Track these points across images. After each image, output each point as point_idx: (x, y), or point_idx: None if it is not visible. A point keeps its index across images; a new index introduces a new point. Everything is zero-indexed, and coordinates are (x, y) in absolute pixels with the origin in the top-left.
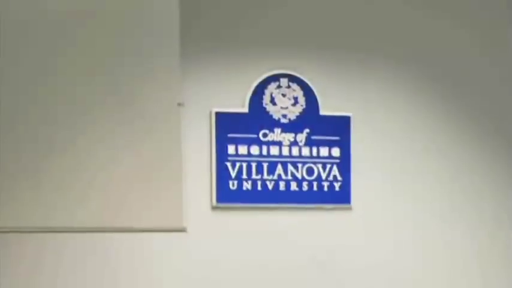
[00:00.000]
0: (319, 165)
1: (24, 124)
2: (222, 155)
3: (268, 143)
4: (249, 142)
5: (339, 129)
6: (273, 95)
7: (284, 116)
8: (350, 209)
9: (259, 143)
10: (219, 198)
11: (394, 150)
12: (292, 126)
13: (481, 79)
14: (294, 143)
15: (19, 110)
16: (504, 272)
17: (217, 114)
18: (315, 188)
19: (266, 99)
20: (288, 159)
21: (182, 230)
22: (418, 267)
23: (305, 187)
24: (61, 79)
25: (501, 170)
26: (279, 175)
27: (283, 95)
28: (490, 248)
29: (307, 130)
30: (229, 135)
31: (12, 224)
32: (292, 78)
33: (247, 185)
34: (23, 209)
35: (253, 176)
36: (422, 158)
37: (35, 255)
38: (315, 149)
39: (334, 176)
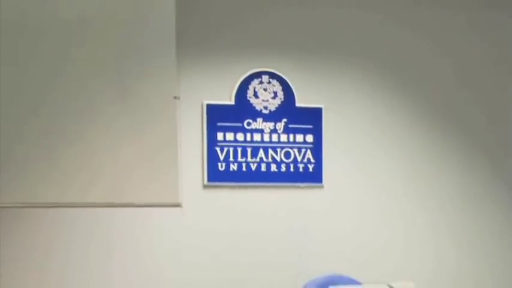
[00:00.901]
0: (295, 150)
1: (42, 114)
2: (212, 141)
3: (252, 131)
4: (235, 130)
5: (312, 119)
6: (256, 90)
7: (265, 107)
8: (322, 187)
9: (244, 131)
10: (210, 178)
11: (360, 137)
12: (272, 116)
13: (434, 77)
14: (274, 130)
15: (38, 102)
16: (454, 242)
17: (208, 106)
18: (291, 169)
19: (250, 93)
20: (269, 145)
21: (178, 205)
22: (378, 237)
23: (283, 168)
24: (72, 76)
25: (451, 154)
26: (261, 158)
27: (265, 90)
28: (441, 221)
29: (285, 119)
30: (218, 124)
31: (30, 200)
32: (272, 75)
33: (233, 167)
34: (40, 187)
35: (239, 159)
36: (383, 143)
37: (50, 228)
38: (291, 136)
39: (308, 159)
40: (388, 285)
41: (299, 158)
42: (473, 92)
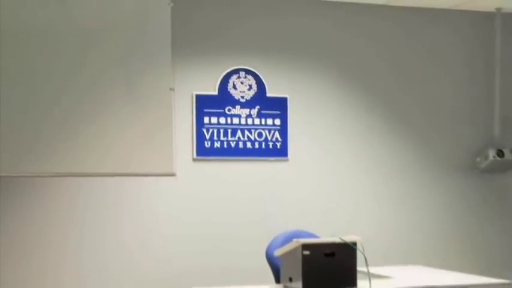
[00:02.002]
0: (266, 131)
1: (65, 102)
2: (199, 124)
3: (231, 116)
4: (218, 115)
5: (279, 106)
6: (235, 83)
7: (242, 97)
8: (287, 160)
9: (225, 116)
10: (198, 153)
11: (318, 121)
12: (248, 104)
13: (376, 72)
14: (249, 115)
15: (62, 92)
16: (392, 204)
17: (197, 96)
18: (263, 146)
19: (230, 85)
20: (245, 127)
21: (172, 174)
22: (332, 200)
23: (256, 146)
24: (88, 73)
25: (391, 134)
26: (239, 137)
27: (242, 83)
28: (382, 188)
29: (258, 107)
30: (205, 110)
31: (54, 170)
32: (247, 72)
33: (217, 144)
34: (64, 160)
35: (221, 138)
36: (336, 125)
37: (71, 195)
38: (263, 120)
39: (276, 138)
40: (340, 238)
41: (269, 138)
42: (408, 84)
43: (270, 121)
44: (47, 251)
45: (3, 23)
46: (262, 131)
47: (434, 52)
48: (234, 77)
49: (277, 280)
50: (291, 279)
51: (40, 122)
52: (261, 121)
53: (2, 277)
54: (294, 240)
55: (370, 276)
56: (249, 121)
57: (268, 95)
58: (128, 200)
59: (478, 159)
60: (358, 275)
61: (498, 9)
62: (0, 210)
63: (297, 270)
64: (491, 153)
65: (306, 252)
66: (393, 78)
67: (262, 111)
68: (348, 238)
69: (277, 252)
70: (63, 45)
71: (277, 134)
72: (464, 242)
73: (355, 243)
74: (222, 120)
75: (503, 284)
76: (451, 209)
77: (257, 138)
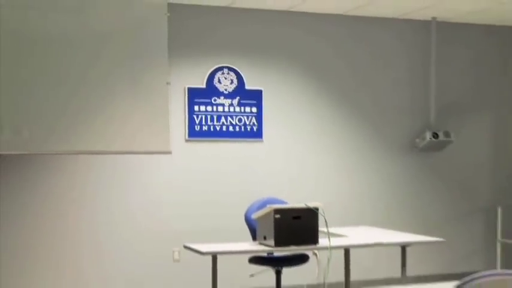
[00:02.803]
0: (245, 117)
1: (83, 93)
2: (191, 111)
3: (217, 105)
4: (206, 104)
5: (256, 97)
6: (219, 78)
7: (225, 89)
8: (262, 141)
9: (212, 105)
10: (189, 135)
11: (287, 108)
12: (230, 95)
13: (335, 70)
14: (231, 104)
15: (79, 86)
16: (347, 176)
17: (188, 88)
18: (242, 130)
19: (215, 80)
20: (228, 114)
21: (169, 152)
22: (298, 173)
23: (237, 129)
24: (100, 70)
25: (346, 120)
26: (223, 122)
27: (225, 78)
28: (340, 162)
29: (238, 97)
30: (195, 100)
31: (74, 149)
32: (230, 69)
33: (205, 128)
34: (80, 141)
35: (208, 123)
36: (302, 113)
37: (86, 169)
38: (242, 108)
39: (253, 123)
40: (305, 204)
41: (247, 122)
42: (361, 80)
43: (248, 109)
44: (66, 216)
45: (37, 27)
46: (241, 117)
47: (382, 53)
48: (219, 73)
49: (254, 238)
50: (265, 238)
51: (61, 110)
52: (240, 109)
53: (31, 239)
54: (268, 206)
55: (329, 235)
56: (231, 109)
57: (246, 87)
58: (132, 173)
59: (417, 140)
60: (320, 234)
61: (434, 18)
62: (28, 183)
63: (270, 230)
64: (428, 136)
65: (277, 216)
66: (349, 75)
67: (242, 101)
68: (311, 204)
69: (254, 216)
70: (80, 47)
71: (253, 120)
72: (405, 207)
73: (317, 208)
74: (209, 108)
75: (436, 241)
76: (395, 180)
77: (237, 123)
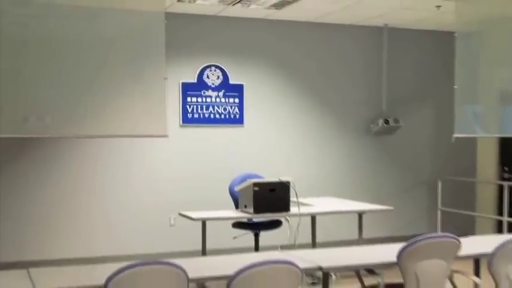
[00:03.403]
0: (229, 107)
1: (96, 87)
2: (184, 102)
3: (205, 96)
4: (197, 96)
5: (238, 90)
6: (208, 74)
7: (213, 84)
8: (243, 126)
9: (201, 96)
10: (183, 121)
11: (264, 100)
12: (217, 89)
13: (306, 69)
14: (218, 96)
15: (91, 83)
16: (314, 154)
17: (182, 83)
18: (227, 117)
19: (205, 76)
20: (215, 104)
21: (166, 136)
22: (273, 154)
23: (222, 116)
24: (108, 68)
25: (313, 110)
26: (210, 111)
27: (213, 74)
28: (308, 144)
29: (223, 90)
30: (188, 92)
31: (88, 133)
32: (217, 66)
33: (196, 115)
34: (93, 127)
35: (199, 111)
36: (277, 104)
37: (96, 151)
38: (227, 99)
39: (236, 112)
40: (279, 178)
41: (231, 111)
42: (326, 77)
43: (231, 100)
44: (81, 189)
45: (57, 34)
46: (226, 106)
47: (343, 54)
48: (207, 70)
49: (236, 207)
50: (245, 206)
51: (77, 101)
52: (225, 100)
53: (51, 208)
54: (248, 180)
55: (299, 204)
56: (218, 100)
57: (230, 82)
58: (135, 153)
59: (371, 125)
60: (291, 204)
61: (385, 24)
62: (49, 161)
63: (250, 200)
64: (381, 122)
65: (256, 188)
66: (315, 72)
67: (226, 93)
68: (284, 179)
69: (237, 188)
70: (93, 49)
71: (236, 109)
72: (362, 181)
73: (288, 182)
74: (199, 99)
75: (387, 209)
76: (354, 159)
77: (223, 111)
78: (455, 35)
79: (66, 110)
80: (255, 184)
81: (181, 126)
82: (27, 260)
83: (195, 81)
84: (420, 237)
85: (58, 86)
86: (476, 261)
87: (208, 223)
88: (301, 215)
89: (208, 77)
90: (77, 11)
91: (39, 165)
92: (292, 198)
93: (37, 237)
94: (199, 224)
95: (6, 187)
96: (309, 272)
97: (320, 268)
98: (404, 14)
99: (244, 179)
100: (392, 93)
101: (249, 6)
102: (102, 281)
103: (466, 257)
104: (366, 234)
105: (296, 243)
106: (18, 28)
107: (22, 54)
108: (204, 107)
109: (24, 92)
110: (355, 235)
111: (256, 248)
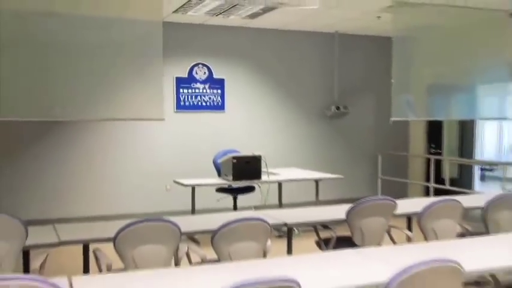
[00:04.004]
0: (213, 96)
1: (103, 84)
2: (178, 92)
3: (195, 88)
4: (188, 88)
5: (220, 83)
6: (196, 70)
7: (200, 78)
8: (224, 112)
9: (191, 88)
10: (177, 108)
11: (241, 91)
12: (203, 82)
13: (277, 71)
14: (204, 88)
15: (101, 79)
16: (283, 137)
17: (176, 77)
18: (212, 105)
19: (194, 72)
20: (202, 94)
21: (163, 119)
22: (248, 132)
23: (208, 104)
24: (115, 66)
25: (283, 101)
26: (198, 100)
27: (200, 70)
28: (280, 127)
29: (208, 83)
30: (180, 85)
31: (101, 117)
32: (203, 64)
33: (187, 103)
34: (105, 111)
35: (189, 100)
36: (252, 93)
37: (106, 132)
38: (211, 90)
39: (219, 100)
40: (252, 153)
41: (215, 100)
42: (290, 73)
43: (215, 91)
44: (95, 161)
45: (76, 38)
46: (211, 96)
47: (303, 55)
48: (196, 67)
49: (219, 175)
50: (226, 175)
51: (91, 93)
52: (210, 91)
53: (71, 179)
54: (228, 154)
55: (268, 173)
56: (204, 91)
57: (214, 77)
58: (139, 133)
59: (326, 111)
60: (262, 173)
61: (336, 31)
62: (72, 138)
63: (230, 170)
64: (333, 108)
65: (234, 161)
66: (282, 69)
67: (211, 86)
68: (257, 153)
69: (219, 161)
70: (103, 51)
71: (219, 98)
72: (319, 155)
73: (260, 156)
74: (190, 90)
75: (338, 178)
76: (312, 137)
77: (208, 100)
78: (393, 39)
79: (83, 99)
80: (233, 158)
81: (175, 112)
82: (52, 218)
83: (186, 76)
84: (364, 200)
85: (76, 81)
86: (409, 218)
87: (196, 188)
88: (270, 182)
89: (196, 72)
90: (92, 20)
91: (62, 144)
92: (263, 169)
93: (61, 199)
94: (190, 189)
95: (36, 161)
96: (276, 227)
97: (285, 224)
98: (351, 23)
99: (225, 153)
100: (342, 85)
101: (228, 16)
102: (112, 234)
103: (401, 215)
104: (321, 197)
105: (266, 204)
106: (44, 35)
107: (48, 56)
108: (194, 96)
109: (50, 86)
110: (313, 198)
111: (235, 208)
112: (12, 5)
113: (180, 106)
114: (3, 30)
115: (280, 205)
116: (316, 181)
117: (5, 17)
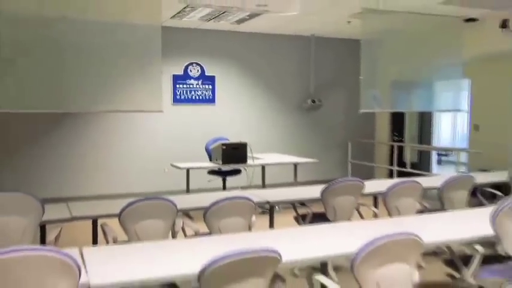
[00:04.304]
0: (205, 91)
1: (109, 81)
2: (174, 87)
3: (189, 84)
4: (183, 83)
5: (211, 80)
6: (191, 69)
7: (194, 75)
8: (215, 105)
9: (187, 84)
10: (173, 101)
11: (230, 86)
12: (197, 78)
13: (261, 71)
14: (197, 84)
15: (108, 76)
16: (267, 126)
17: (173, 75)
18: (204, 98)
19: (189, 70)
20: (195, 89)
21: (161, 111)
22: (236, 123)
23: (201, 98)
24: (119, 65)
25: (267, 94)
26: (192, 94)
27: (194, 69)
28: (266, 117)
29: (201, 80)
30: (177, 81)
31: (104, 109)
32: (197, 63)
33: (183, 97)
34: (109, 103)
35: (184, 94)
36: (239, 89)
37: (110, 123)
38: (204, 86)
39: (210, 95)
40: (240, 140)
41: (206, 94)
42: (272, 71)
43: (207, 87)
44: (102, 146)
45: (85, 39)
46: (203, 91)
47: (284, 55)
48: (190, 66)
49: (210, 160)
50: (216, 159)
51: (98, 89)
52: (203, 86)
53: (82, 161)
54: (218, 141)
55: (253, 158)
56: (197, 86)
57: (206, 74)
58: (141, 123)
59: (303, 104)
60: (248, 158)
61: (312, 34)
62: (81, 127)
63: (219, 155)
64: (309, 101)
65: (224, 147)
66: (266, 67)
67: (204, 82)
68: (243, 140)
69: (211, 147)
70: (109, 52)
71: (210, 93)
72: (297, 142)
73: (246, 143)
74: (185, 86)
75: (314, 162)
76: (291, 126)
77: (201, 94)
78: (361, 42)
79: (92, 94)
80: (223, 144)
81: (172, 104)
82: (65, 196)
83: (182, 73)
84: (336, 181)
85: (85, 78)
86: (375, 197)
87: (191, 171)
88: (254, 165)
89: (191, 70)
90: (99, 25)
91: (73, 133)
92: (249, 154)
93: (73, 180)
94: (185, 171)
95: (51, 147)
96: (260, 205)
97: (268, 202)
98: (326, 27)
99: (215, 140)
100: (317, 82)
101: (219, 21)
102: (117, 211)
103: (368, 194)
104: (299, 178)
105: (251, 184)
106: (57, 36)
107: (61, 56)
108: (188, 91)
109: (64, 82)
110: (291, 179)
111: (224, 188)
112: (28, 10)
113: (177, 99)
114: (25, 33)
115: (264, 185)
116: (295, 165)
117: (24, 22)
